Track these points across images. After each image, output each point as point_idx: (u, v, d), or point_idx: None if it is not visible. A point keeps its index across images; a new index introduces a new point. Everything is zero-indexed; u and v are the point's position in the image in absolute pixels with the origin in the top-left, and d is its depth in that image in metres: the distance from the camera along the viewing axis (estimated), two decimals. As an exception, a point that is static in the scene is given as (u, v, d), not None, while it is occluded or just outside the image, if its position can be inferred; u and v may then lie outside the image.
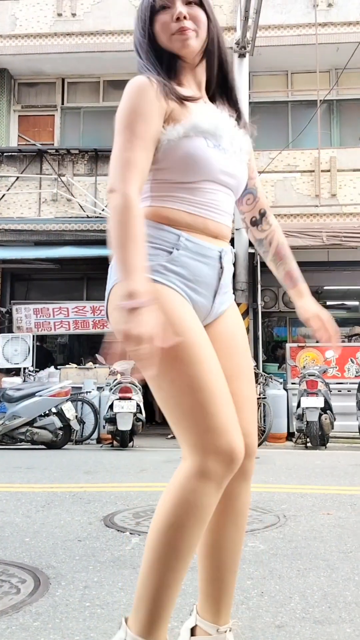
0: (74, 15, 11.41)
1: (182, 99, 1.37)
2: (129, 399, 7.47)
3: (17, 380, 8.79)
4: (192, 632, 1.44)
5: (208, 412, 1.24)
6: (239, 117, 1.50)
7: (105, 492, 4.02)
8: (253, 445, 1.42)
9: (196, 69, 1.45)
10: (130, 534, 2.87)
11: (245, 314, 9.85)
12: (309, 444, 7.69)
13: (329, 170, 10.82)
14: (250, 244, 10.00)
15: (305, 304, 1.54)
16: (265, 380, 9.01)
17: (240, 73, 9.72)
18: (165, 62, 1.41)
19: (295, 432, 8.10)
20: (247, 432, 1.38)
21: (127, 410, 7.42)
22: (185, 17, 1.38)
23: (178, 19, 1.37)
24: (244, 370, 1.45)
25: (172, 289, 1.31)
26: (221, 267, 1.40)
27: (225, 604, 1.42)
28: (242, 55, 9.93)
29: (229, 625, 1.42)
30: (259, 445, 8.00)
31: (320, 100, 10.28)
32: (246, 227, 1.64)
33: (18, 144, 12.03)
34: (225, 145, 1.39)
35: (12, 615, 1.84)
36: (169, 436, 8.99)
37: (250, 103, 10.71)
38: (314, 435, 7.55)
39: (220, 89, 1.50)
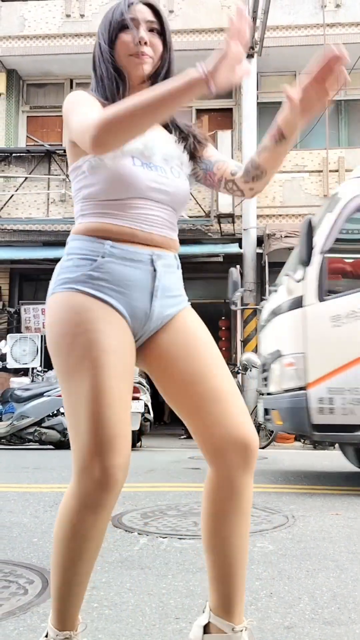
0: (82, 16, 11.45)
1: None
2: (137, 399, 7.48)
3: (25, 380, 8.82)
4: (206, 629, 1.41)
5: (90, 429, 1.26)
6: (184, 135, 1.51)
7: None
8: (253, 435, 1.37)
9: (139, 87, 1.46)
10: (139, 534, 2.87)
11: (253, 315, 9.83)
12: (317, 445, 7.66)
13: (337, 170, 10.79)
14: (258, 244, 10.00)
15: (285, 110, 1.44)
16: (273, 380, 8.98)
17: (248, 74, 9.70)
18: (116, 77, 1.46)
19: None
20: (242, 422, 1.36)
21: (134, 410, 7.43)
22: (146, 43, 1.43)
23: (139, 42, 1.43)
24: (216, 365, 1.42)
25: (92, 297, 1.33)
26: (154, 270, 1.40)
27: (238, 601, 1.40)
28: (250, 56, 9.92)
29: (244, 625, 1.40)
30: (267, 446, 8.01)
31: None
32: (246, 190, 1.55)
33: (26, 145, 12.08)
34: (156, 161, 1.42)
35: (20, 616, 1.84)
36: (182, 437, 9.00)
37: (258, 104, 10.72)
38: (322, 436, 7.51)
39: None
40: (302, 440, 8.42)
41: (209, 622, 1.41)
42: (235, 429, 1.35)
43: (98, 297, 1.34)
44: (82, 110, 1.33)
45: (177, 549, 2.60)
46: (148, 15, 1.46)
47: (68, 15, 11.49)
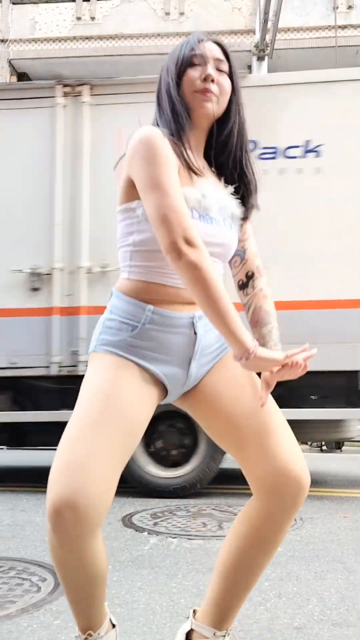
0: (93, 19, 11.51)
1: (190, 169, 1.36)
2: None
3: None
4: (188, 636, 1.43)
5: (70, 462, 1.18)
6: (240, 187, 1.47)
7: (124, 492, 4.05)
8: (306, 474, 1.31)
9: (201, 131, 1.43)
10: (149, 534, 2.90)
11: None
12: (324, 447, 7.66)
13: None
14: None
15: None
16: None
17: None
18: (182, 114, 1.39)
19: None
20: (298, 459, 1.31)
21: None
22: (212, 80, 1.38)
23: (205, 79, 1.37)
24: (255, 398, 1.37)
25: (132, 363, 1.32)
26: (195, 334, 1.37)
27: (233, 614, 1.42)
28: (261, 58, 9.92)
29: (227, 631, 1.42)
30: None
31: (339, 103, 10.25)
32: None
33: (37, 147, 12.15)
34: (213, 214, 1.37)
35: (33, 613, 1.87)
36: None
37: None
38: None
39: (231, 164, 1.47)
40: (310, 443, 8.43)
41: (191, 629, 1.43)
42: (291, 465, 1.29)
43: (137, 363, 1.32)
44: (171, 188, 1.25)
45: (186, 549, 2.63)
46: (217, 53, 1.42)
47: (79, 18, 11.55)
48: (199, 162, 1.43)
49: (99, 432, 1.22)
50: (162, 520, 3.19)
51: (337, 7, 10.89)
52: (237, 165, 1.47)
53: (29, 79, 12.22)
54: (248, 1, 11.22)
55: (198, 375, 1.40)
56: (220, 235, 1.39)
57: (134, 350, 1.33)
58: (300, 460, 1.31)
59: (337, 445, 7.53)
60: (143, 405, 1.32)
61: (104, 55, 11.43)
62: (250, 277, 1.53)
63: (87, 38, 11.50)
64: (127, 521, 3.17)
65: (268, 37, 9.79)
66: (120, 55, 11.35)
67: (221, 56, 1.42)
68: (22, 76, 12.04)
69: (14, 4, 11.79)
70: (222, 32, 11.13)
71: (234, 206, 1.44)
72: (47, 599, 1.99)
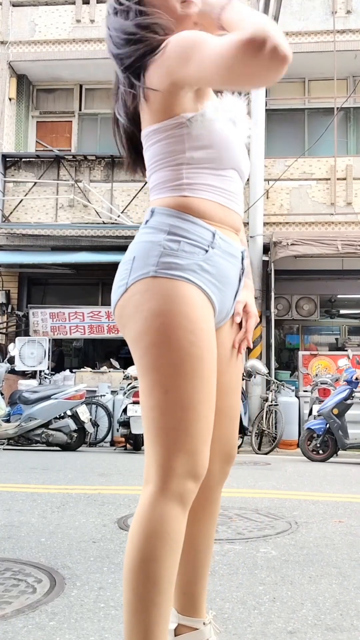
0: (92, 21, 11.54)
1: None
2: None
3: (33, 382, 8.89)
4: (176, 631, 1.45)
5: (187, 433, 1.19)
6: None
7: (119, 494, 4.07)
8: (234, 452, 1.47)
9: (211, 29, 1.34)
10: (144, 537, 2.91)
11: (258, 322, 9.85)
12: (320, 452, 7.67)
13: (345, 179, 10.81)
14: (264, 252, 10.04)
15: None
16: (277, 387, 9.03)
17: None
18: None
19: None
20: (230, 440, 1.44)
21: (140, 414, 7.47)
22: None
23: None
24: (238, 380, 1.46)
25: (202, 293, 1.24)
26: (242, 268, 1.36)
27: (203, 599, 1.47)
28: (259, 63, 9.96)
29: (210, 617, 1.47)
30: (270, 452, 8.01)
31: (338, 108, 10.30)
32: None
33: (36, 150, 12.17)
34: (240, 131, 1.33)
35: (29, 614, 1.88)
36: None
37: (266, 110, 10.75)
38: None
39: None
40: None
41: (178, 625, 1.44)
42: (227, 445, 1.43)
43: (206, 294, 1.25)
44: (213, 41, 1.13)
45: (182, 553, 2.64)
46: None
47: (78, 21, 11.58)
48: None
49: (209, 404, 1.23)
50: (157, 523, 3.19)
51: (336, 12, 10.94)
52: None
53: (29, 81, 12.24)
54: (247, 5, 11.25)
55: (230, 313, 1.37)
56: (245, 153, 1.35)
57: (205, 277, 1.24)
58: (234, 440, 1.46)
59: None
60: (214, 337, 1.28)
61: (103, 58, 11.46)
62: None
63: (86, 41, 11.54)
64: (123, 523, 3.18)
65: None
66: (120, 58, 11.36)
67: None
68: (21, 78, 12.06)
69: (14, 6, 11.82)
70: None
71: (247, 124, 1.38)
72: (42, 600, 2.00)
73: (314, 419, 7.56)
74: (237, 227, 1.34)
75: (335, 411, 7.22)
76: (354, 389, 7.42)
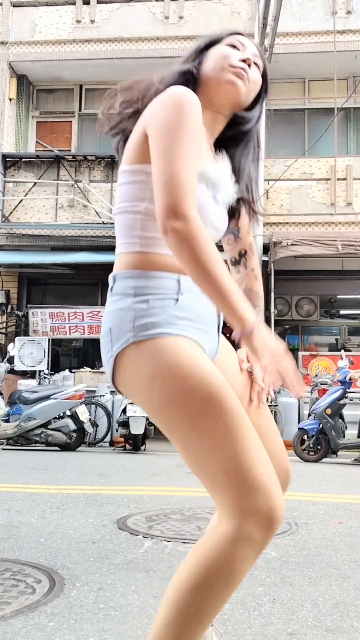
0: (92, 22, 11.53)
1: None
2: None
3: (32, 382, 8.89)
4: None
5: (243, 468, 1.13)
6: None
7: (118, 495, 4.06)
8: (290, 470, 1.41)
9: (217, 116, 1.37)
10: (143, 537, 2.90)
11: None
12: (313, 452, 7.67)
13: (345, 179, 10.81)
14: (264, 252, 10.04)
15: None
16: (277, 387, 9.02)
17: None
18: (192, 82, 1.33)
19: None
20: (283, 459, 1.38)
21: (139, 414, 7.49)
22: (250, 65, 1.33)
23: (245, 61, 1.33)
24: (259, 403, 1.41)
25: (188, 339, 1.23)
26: None
27: None
28: (259, 63, 9.96)
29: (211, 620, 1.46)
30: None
31: (338, 108, 10.30)
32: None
33: (36, 150, 12.17)
34: (219, 197, 1.34)
35: (28, 614, 1.88)
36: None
37: (266, 110, 10.73)
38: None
39: (241, 153, 1.43)
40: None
41: None
42: (283, 461, 1.39)
43: (190, 339, 1.24)
44: (182, 176, 1.15)
45: (181, 553, 2.63)
46: (255, 50, 1.37)
47: (78, 21, 11.58)
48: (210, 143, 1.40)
49: (249, 430, 1.17)
50: (156, 524, 3.19)
51: (336, 12, 10.94)
52: (247, 176, 1.43)
53: (29, 81, 12.24)
54: (247, 5, 11.26)
55: (218, 348, 1.37)
56: (221, 220, 1.37)
57: (184, 324, 1.23)
58: (286, 460, 1.39)
59: (332, 451, 7.54)
60: (216, 369, 1.25)
61: (103, 59, 11.47)
62: (242, 255, 1.52)
63: (86, 41, 11.53)
64: (122, 524, 3.17)
65: (267, 42, 9.84)
66: (120, 58, 11.38)
67: (257, 54, 1.38)
68: (21, 78, 12.06)
69: (14, 6, 11.82)
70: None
71: (232, 192, 1.39)
72: (42, 601, 2.00)
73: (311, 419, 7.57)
74: None
75: (329, 411, 7.22)
76: (347, 389, 7.43)
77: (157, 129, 1.20)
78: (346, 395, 7.41)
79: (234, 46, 1.35)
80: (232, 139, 1.42)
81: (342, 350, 9.07)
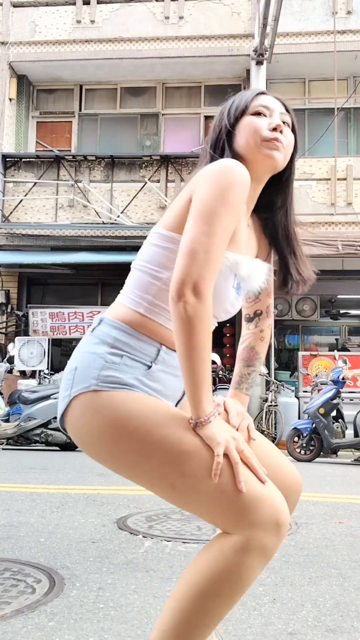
0: (92, 22, 11.53)
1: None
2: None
3: (32, 382, 8.88)
4: None
5: (235, 489, 1.13)
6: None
7: (118, 494, 4.06)
8: (300, 480, 1.41)
9: (256, 188, 1.35)
10: (143, 537, 2.90)
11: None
12: (306, 451, 7.68)
13: (345, 179, 10.81)
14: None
15: (231, 403, 1.44)
16: (277, 387, 9.02)
17: (257, 80, 9.78)
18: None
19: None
20: (289, 470, 1.38)
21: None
22: (281, 131, 1.30)
23: (275, 129, 1.29)
24: (248, 428, 1.40)
25: (144, 393, 1.24)
26: None
27: None
28: (259, 63, 9.98)
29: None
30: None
31: (338, 108, 10.30)
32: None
33: (36, 150, 12.17)
34: (243, 287, 1.34)
35: (28, 614, 1.87)
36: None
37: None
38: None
39: (279, 228, 1.43)
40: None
41: None
42: (295, 474, 1.40)
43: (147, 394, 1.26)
44: (211, 253, 1.15)
45: (181, 553, 2.63)
46: (281, 107, 1.34)
47: (78, 21, 11.58)
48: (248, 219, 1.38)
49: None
50: (156, 524, 3.19)
51: (336, 12, 10.94)
52: (286, 231, 1.42)
53: (29, 82, 12.24)
54: (247, 6, 11.26)
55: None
56: (237, 306, 1.36)
57: (144, 389, 1.24)
58: (293, 470, 1.40)
59: (332, 450, 7.54)
60: None
61: (104, 59, 11.47)
62: (257, 314, 1.53)
63: (86, 41, 11.54)
64: (122, 524, 3.17)
65: (267, 42, 9.84)
66: (120, 58, 11.38)
67: (284, 110, 1.34)
68: (21, 78, 12.06)
69: (14, 6, 11.82)
70: (221, 37, 11.18)
71: (261, 284, 1.37)
72: (42, 601, 1.99)
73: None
74: None
75: (322, 411, 7.22)
76: (340, 389, 7.43)
77: (201, 199, 1.18)
78: (339, 394, 7.41)
79: (259, 113, 1.31)
80: (268, 202, 1.42)
81: (336, 351, 9.08)
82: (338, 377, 7.42)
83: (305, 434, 7.27)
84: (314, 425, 7.22)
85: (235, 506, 1.13)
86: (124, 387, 1.21)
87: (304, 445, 7.28)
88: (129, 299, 1.29)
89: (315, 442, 7.27)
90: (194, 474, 1.15)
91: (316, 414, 7.20)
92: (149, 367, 1.25)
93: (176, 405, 1.35)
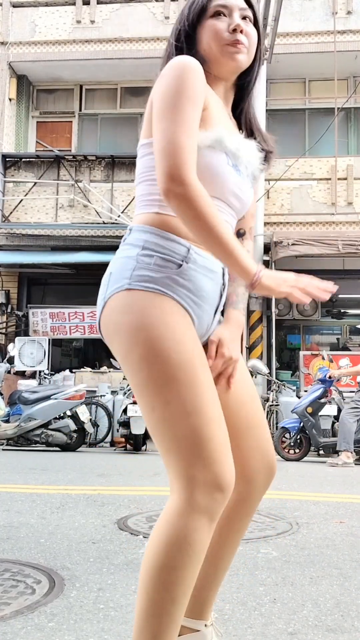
0: (92, 22, 11.53)
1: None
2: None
3: (32, 382, 8.88)
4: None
5: (200, 439, 1.17)
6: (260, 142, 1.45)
7: (119, 495, 4.05)
8: (275, 462, 1.43)
9: (227, 86, 1.40)
10: (144, 537, 2.89)
11: (259, 322, 9.85)
12: (321, 452, 7.67)
13: (345, 179, 10.80)
14: (265, 252, 10.03)
15: (220, 328, 1.42)
16: (278, 387, 9.02)
17: (258, 80, 9.75)
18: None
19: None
20: (269, 448, 1.42)
21: (140, 414, 7.47)
22: (242, 31, 1.32)
23: (235, 30, 1.31)
24: (246, 388, 1.41)
25: (178, 304, 1.25)
26: (223, 284, 1.36)
27: (211, 603, 1.46)
28: (259, 63, 9.96)
29: (212, 620, 1.46)
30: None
31: (338, 108, 10.29)
32: None
33: (36, 150, 12.17)
34: (241, 167, 1.35)
35: (28, 615, 1.87)
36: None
37: (267, 110, 10.73)
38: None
39: (245, 118, 1.47)
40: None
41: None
42: (268, 455, 1.41)
43: (182, 305, 1.26)
44: (180, 140, 1.18)
45: (182, 553, 2.62)
46: (240, 2, 1.34)
47: (78, 22, 11.58)
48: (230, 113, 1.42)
49: (217, 409, 1.22)
50: (157, 524, 3.18)
51: (336, 13, 10.94)
52: (251, 119, 1.45)
53: (29, 81, 12.24)
54: (258, 13, 11.24)
55: (210, 330, 1.37)
56: (244, 190, 1.36)
57: (179, 290, 1.25)
58: (272, 452, 1.43)
59: (334, 450, 7.53)
60: (200, 343, 1.27)
61: (104, 59, 11.47)
62: (241, 234, 1.54)
63: (86, 41, 11.54)
64: (123, 524, 3.17)
65: (267, 42, 9.84)
66: (120, 58, 11.38)
67: (244, 4, 1.35)
68: (21, 78, 12.06)
69: (14, 6, 11.82)
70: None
71: (258, 163, 1.40)
72: (41, 601, 1.99)
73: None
74: None
75: (310, 410, 7.22)
76: (327, 388, 7.42)
77: (157, 99, 1.23)
78: (327, 394, 7.41)
79: (219, 13, 1.33)
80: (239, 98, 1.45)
81: (324, 351, 9.08)
82: (324, 375, 7.42)
83: (293, 433, 7.28)
84: (301, 424, 7.23)
85: (191, 456, 1.17)
86: (157, 288, 1.23)
87: (292, 444, 7.28)
88: (143, 206, 1.33)
89: (303, 442, 7.29)
90: (174, 408, 1.18)
91: (304, 413, 7.20)
92: (180, 265, 1.26)
93: (214, 314, 1.35)
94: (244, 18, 1.34)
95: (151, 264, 1.25)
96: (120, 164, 11.16)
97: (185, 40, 1.36)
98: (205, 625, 1.43)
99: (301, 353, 10.45)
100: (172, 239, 1.27)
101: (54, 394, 7.66)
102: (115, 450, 8.19)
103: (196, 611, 1.42)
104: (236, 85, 1.44)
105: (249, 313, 9.63)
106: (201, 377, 1.21)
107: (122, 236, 1.36)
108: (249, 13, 1.35)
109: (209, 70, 1.34)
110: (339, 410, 7.65)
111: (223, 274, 1.35)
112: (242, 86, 1.44)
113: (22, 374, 9.81)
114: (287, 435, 7.34)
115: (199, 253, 1.28)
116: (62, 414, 7.61)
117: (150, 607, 1.16)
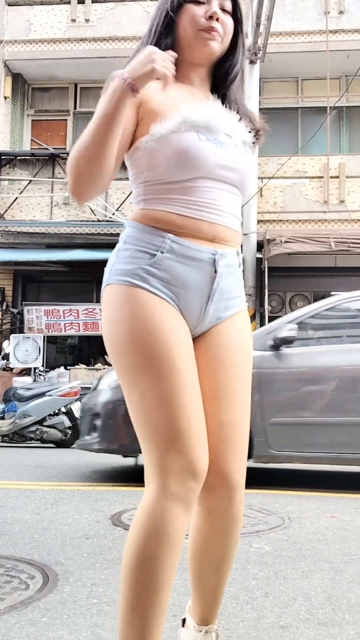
0: (87, 21, 11.52)
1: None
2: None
3: (27, 379, 8.88)
4: (183, 623, 1.50)
5: (173, 429, 1.18)
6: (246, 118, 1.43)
7: (113, 490, 4.07)
8: (234, 478, 1.31)
9: (203, 69, 1.41)
10: (137, 533, 2.91)
11: (252, 319, 9.88)
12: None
13: (337, 177, 10.84)
14: (258, 249, 10.06)
15: None
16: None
17: (250, 79, 9.78)
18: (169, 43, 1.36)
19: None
20: (225, 462, 1.30)
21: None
22: (217, 19, 1.33)
23: (211, 17, 1.33)
24: (233, 391, 1.32)
25: (151, 293, 1.24)
26: (215, 272, 1.30)
27: (217, 608, 1.46)
28: (252, 62, 9.98)
29: (215, 627, 1.45)
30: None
31: (331, 107, 10.32)
32: None
33: (31, 148, 12.15)
34: (222, 138, 1.31)
35: (21, 610, 1.88)
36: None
37: (260, 109, 10.76)
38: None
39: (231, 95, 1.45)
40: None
41: (184, 619, 1.50)
42: (229, 472, 1.31)
43: (155, 294, 1.25)
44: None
45: (175, 549, 2.64)
46: None
47: (73, 20, 11.56)
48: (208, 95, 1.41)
49: (192, 397, 1.23)
50: (151, 520, 3.20)
51: (329, 12, 10.97)
52: (236, 101, 1.44)
53: (24, 80, 12.21)
54: (241, 5, 11.25)
55: (214, 319, 1.33)
56: (233, 159, 1.33)
57: (151, 279, 1.25)
58: (231, 463, 1.31)
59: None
60: (183, 331, 1.27)
61: (98, 57, 11.45)
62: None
63: (81, 40, 11.52)
64: (116, 519, 3.18)
65: (260, 41, 9.85)
66: (114, 57, 11.35)
67: None
68: (16, 77, 12.03)
69: (9, 5, 11.79)
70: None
71: (244, 131, 1.38)
72: (35, 597, 2.00)
73: None
74: (207, 236, 1.30)
75: None
76: None
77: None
78: None
79: (198, 1, 1.35)
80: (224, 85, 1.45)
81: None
82: None
83: None
84: None
85: (166, 444, 1.19)
86: (127, 280, 1.26)
87: None
88: (135, 204, 1.38)
89: None
90: (148, 399, 1.21)
91: None
92: (154, 255, 1.27)
93: (207, 304, 1.31)
94: (222, 9, 1.35)
95: (127, 257, 1.28)
96: (114, 162, 11.15)
97: (165, 25, 1.37)
98: (206, 632, 1.43)
99: (295, 351, 10.49)
100: (150, 231, 1.28)
101: (49, 391, 7.67)
102: (109, 447, 8.20)
103: (199, 614, 1.45)
104: (221, 75, 1.43)
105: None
106: (178, 367, 1.21)
107: (116, 234, 1.40)
108: (228, 4, 1.37)
109: (183, 56, 1.36)
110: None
111: (214, 262, 1.30)
112: (225, 76, 1.44)
113: (19, 371, 9.82)
114: None
115: (178, 242, 1.27)
116: (56, 411, 7.62)
117: (134, 600, 1.17)
